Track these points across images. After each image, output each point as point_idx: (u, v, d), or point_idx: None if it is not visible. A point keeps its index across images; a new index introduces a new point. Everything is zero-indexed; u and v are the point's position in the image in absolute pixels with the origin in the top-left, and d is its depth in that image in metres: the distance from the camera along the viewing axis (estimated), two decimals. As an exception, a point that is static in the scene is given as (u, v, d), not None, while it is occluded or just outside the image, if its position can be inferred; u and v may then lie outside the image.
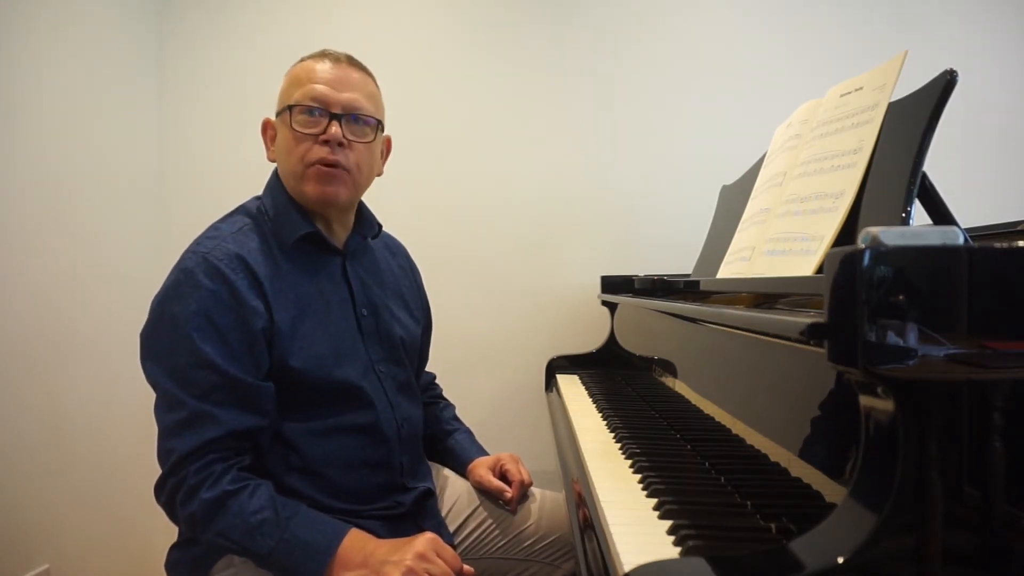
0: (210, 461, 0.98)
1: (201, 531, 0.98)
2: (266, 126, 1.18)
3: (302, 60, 1.15)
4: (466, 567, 0.99)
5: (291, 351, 1.06)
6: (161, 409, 1.03)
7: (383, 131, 1.19)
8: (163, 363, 1.02)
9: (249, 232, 1.11)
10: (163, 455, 1.02)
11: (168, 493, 1.00)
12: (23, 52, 1.70)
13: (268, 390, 1.04)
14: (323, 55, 1.14)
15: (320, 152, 1.08)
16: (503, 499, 1.26)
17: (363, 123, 1.13)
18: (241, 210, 1.16)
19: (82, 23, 1.90)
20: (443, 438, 1.38)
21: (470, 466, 1.32)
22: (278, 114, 1.14)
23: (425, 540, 0.97)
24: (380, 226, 1.29)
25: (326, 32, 2.18)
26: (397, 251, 1.38)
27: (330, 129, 1.08)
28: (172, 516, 1.03)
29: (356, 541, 0.98)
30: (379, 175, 1.24)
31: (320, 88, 1.09)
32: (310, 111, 1.09)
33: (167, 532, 1.14)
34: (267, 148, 1.18)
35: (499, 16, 2.20)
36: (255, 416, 1.02)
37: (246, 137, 2.18)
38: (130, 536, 2.03)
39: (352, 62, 1.16)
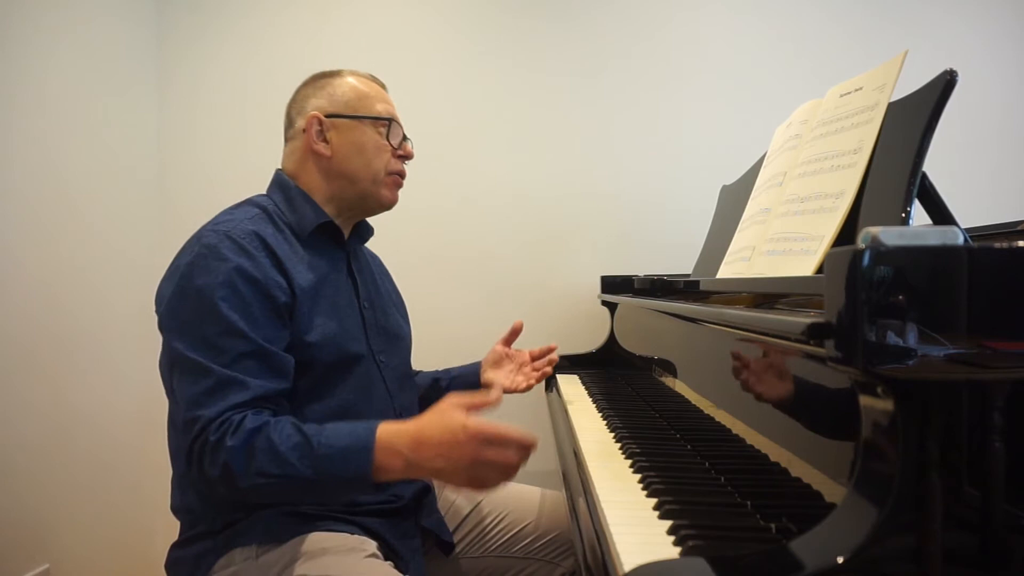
0: (227, 418, 0.95)
1: (240, 480, 0.93)
2: (314, 121, 1.17)
3: (354, 75, 1.23)
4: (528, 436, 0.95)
5: (310, 327, 1.08)
6: (185, 383, 1.00)
7: None
8: (188, 335, 1.00)
9: (262, 219, 1.12)
10: (188, 425, 0.97)
11: (196, 460, 0.96)
12: (24, 53, 1.70)
13: (291, 361, 1.05)
14: (372, 78, 1.26)
15: (399, 165, 1.23)
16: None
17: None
18: (249, 202, 1.18)
19: (83, 23, 1.90)
20: (443, 378, 1.47)
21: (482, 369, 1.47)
22: (350, 117, 1.18)
23: (469, 435, 0.90)
24: (373, 230, 1.33)
25: (327, 32, 2.18)
26: (375, 258, 1.43)
27: (407, 146, 1.24)
28: (207, 484, 0.98)
29: (390, 433, 0.94)
30: None
31: (392, 110, 1.23)
32: (398, 129, 1.22)
33: (167, 532, 1.14)
34: (314, 142, 1.18)
35: (499, 15, 2.19)
36: (281, 380, 1.02)
37: (247, 135, 2.19)
38: (130, 536, 2.03)
39: None
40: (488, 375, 1.46)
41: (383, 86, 1.26)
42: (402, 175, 1.24)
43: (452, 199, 2.19)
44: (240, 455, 0.93)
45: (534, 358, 1.50)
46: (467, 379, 1.47)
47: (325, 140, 1.18)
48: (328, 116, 1.18)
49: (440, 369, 1.51)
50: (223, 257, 1.02)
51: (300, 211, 1.17)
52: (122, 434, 2.00)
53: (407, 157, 1.24)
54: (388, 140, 1.20)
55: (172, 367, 1.03)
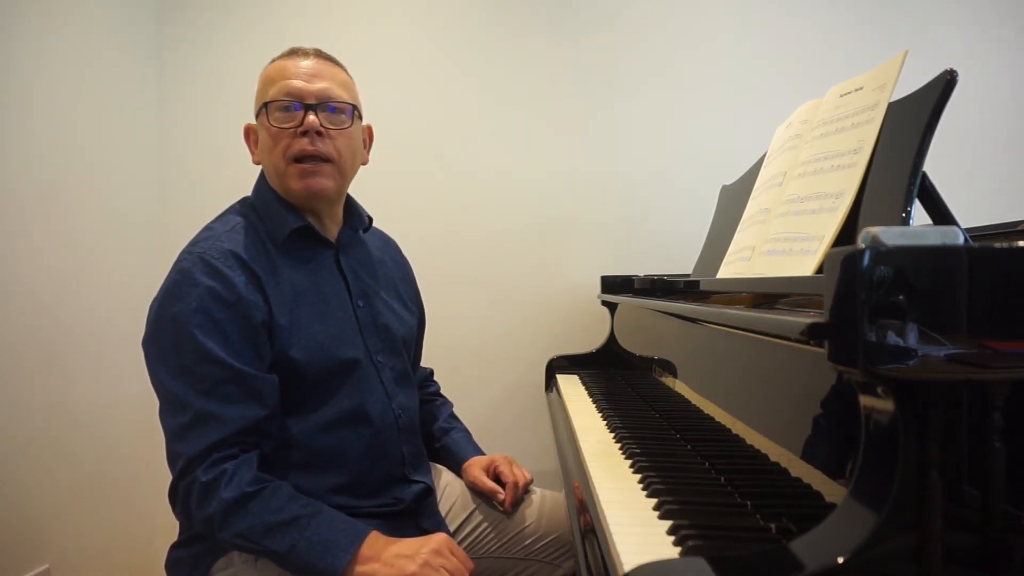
0: (216, 460, 0.98)
1: (219, 532, 0.97)
2: (248, 131, 1.20)
3: (272, 61, 1.17)
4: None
5: (291, 342, 1.08)
6: (165, 414, 1.03)
7: (361, 118, 1.20)
8: (167, 363, 1.02)
9: (242, 230, 1.12)
10: (171, 460, 1.02)
11: (182, 498, 1.01)
12: (22, 52, 1.70)
13: (272, 382, 1.05)
14: (292, 52, 1.16)
15: (300, 144, 1.10)
16: (496, 501, 1.27)
17: (338, 111, 1.14)
18: (233, 210, 1.18)
19: (82, 21, 1.90)
20: (439, 436, 1.39)
21: (464, 465, 1.32)
22: (257, 116, 1.16)
23: (440, 539, 0.99)
24: (371, 219, 1.30)
25: (329, 30, 2.18)
26: (388, 245, 1.40)
27: (307, 119, 1.09)
28: (188, 520, 1.03)
29: (375, 540, 0.98)
30: (364, 163, 1.25)
31: (293, 82, 1.11)
32: (285, 106, 1.11)
33: (167, 532, 1.14)
34: (252, 152, 1.19)
35: (500, 14, 2.19)
36: (260, 407, 1.03)
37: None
38: (130, 536, 2.03)
39: (321, 54, 1.18)
40: (474, 475, 1.30)
41: (304, 54, 1.15)
42: (307, 155, 1.09)
43: (452, 199, 2.19)
44: (231, 511, 0.96)
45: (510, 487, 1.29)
46: (451, 458, 1.35)
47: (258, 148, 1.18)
48: (255, 123, 1.17)
49: (447, 409, 1.46)
50: (195, 282, 1.03)
51: (273, 216, 1.14)
52: (122, 435, 2.00)
53: (309, 130, 1.09)
54: (270, 122, 1.10)
55: (156, 392, 1.05)
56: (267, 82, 1.14)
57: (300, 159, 1.10)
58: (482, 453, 1.37)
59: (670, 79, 2.18)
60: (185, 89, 2.22)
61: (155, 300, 1.07)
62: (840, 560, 0.49)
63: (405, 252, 1.43)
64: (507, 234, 2.19)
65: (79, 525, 1.83)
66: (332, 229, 1.21)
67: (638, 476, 0.92)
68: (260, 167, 1.20)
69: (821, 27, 2.13)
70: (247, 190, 1.22)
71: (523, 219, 2.19)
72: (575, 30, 2.18)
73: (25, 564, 1.66)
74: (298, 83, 1.11)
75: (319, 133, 1.10)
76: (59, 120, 1.81)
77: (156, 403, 1.06)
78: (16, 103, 1.68)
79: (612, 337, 1.94)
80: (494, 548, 1.26)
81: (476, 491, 1.30)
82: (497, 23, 2.20)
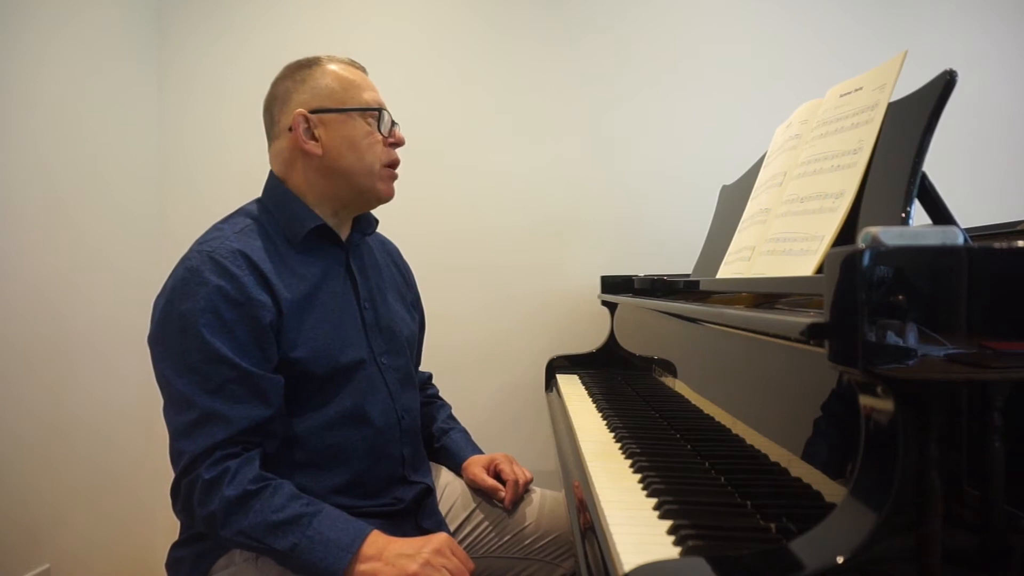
0: (220, 458, 0.98)
1: (220, 530, 0.97)
2: (300, 119, 1.13)
3: (334, 62, 1.17)
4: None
5: (297, 343, 1.08)
6: (171, 411, 1.03)
7: None
8: (173, 361, 1.02)
9: (251, 232, 1.12)
10: (175, 457, 1.02)
11: (184, 495, 1.00)
12: (21, 50, 1.70)
13: (278, 382, 1.05)
14: (352, 63, 1.20)
15: (393, 155, 1.19)
16: (497, 498, 1.27)
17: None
18: (241, 212, 1.17)
19: (81, 19, 1.90)
20: (438, 436, 1.39)
21: (464, 464, 1.33)
22: (338, 110, 1.13)
23: (442, 538, 1.00)
24: (377, 221, 1.31)
25: (328, 29, 2.18)
26: (390, 249, 1.40)
27: (398, 132, 1.20)
28: (190, 518, 1.02)
29: (376, 539, 0.98)
30: None
31: (379, 97, 1.18)
32: (388, 118, 1.17)
33: (167, 531, 1.14)
34: (303, 141, 1.13)
35: (500, 15, 2.19)
36: (266, 407, 1.03)
37: (245, 136, 2.19)
38: (130, 536, 2.03)
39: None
40: (474, 473, 1.30)
41: (364, 70, 1.21)
42: (396, 165, 1.19)
43: (452, 199, 2.19)
44: (233, 509, 0.96)
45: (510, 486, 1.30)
46: (451, 458, 1.36)
47: (314, 137, 1.13)
48: (314, 111, 1.13)
49: (446, 410, 1.46)
50: (204, 281, 1.02)
51: (291, 217, 1.14)
52: (123, 435, 2.00)
53: (399, 144, 1.19)
54: (379, 131, 1.16)
55: (160, 389, 1.05)
56: (351, 86, 1.15)
57: (391, 166, 1.19)
58: (481, 452, 1.37)
59: (670, 80, 2.18)
60: (185, 89, 2.22)
61: (161, 297, 1.06)
62: (840, 560, 0.49)
63: (405, 253, 1.43)
64: (507, 234, 2.19)
65: (79, 525, 1.83)
66: (344, 232, 1.22)
67: (638, 476, 0.92)
68: (267, 169, 1.20)
69: (821, 28, 2.13)
70: (247, 187, 1.22)
71: (523, 219, 2.19)
72: (575, 32, 2.18)
73: (25, 564, 1.66)
74: (381, 98, 1.18)
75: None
76: (60, 120, 1.81)
77: (157, 402, 1.06)
78: (17, 103, 1.68)
79: (612, 337, 1.94)
80: (494, 547, 1.26)
81: (476, 489, 1.30)
82: (498, 25, 2.20)
